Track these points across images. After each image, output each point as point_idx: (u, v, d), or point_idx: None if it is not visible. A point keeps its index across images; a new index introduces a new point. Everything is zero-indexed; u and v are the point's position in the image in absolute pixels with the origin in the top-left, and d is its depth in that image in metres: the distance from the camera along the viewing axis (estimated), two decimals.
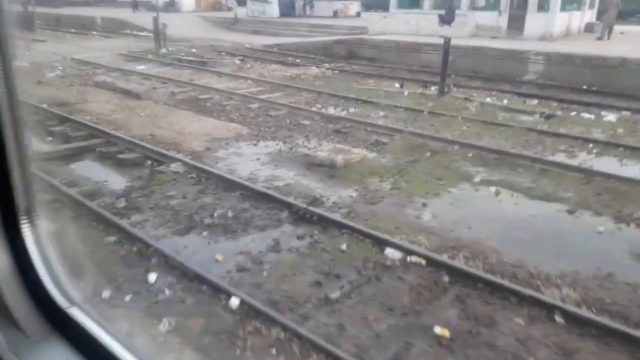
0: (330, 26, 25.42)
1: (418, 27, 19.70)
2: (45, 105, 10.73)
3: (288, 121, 9.75)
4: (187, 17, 32.00)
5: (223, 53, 18.99)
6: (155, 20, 18.59)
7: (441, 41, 16.82)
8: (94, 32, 28.16)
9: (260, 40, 22.80)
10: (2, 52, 1.03)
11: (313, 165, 7.35)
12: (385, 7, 35.05)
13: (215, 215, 5.76)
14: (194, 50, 19.47)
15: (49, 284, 1.15)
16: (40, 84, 13.32)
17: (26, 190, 1.13)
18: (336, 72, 15.40)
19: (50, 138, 8.97)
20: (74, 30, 28.76)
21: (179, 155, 7.77)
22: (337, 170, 7.11)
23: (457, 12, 19.18)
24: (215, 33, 26.41)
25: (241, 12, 31.67)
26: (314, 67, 15.45)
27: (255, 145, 8.52)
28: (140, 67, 15.54)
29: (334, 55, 18.60)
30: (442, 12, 19.28)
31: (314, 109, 10.59)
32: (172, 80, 13.37)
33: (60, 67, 15.57)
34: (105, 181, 7.04)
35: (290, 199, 6.14)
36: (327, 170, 7.14)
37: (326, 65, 16.42)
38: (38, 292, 1.13)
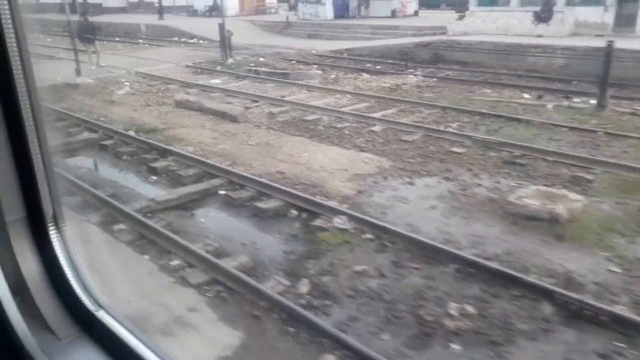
0: (394, 27, 23.63)
1: (507, 26, 17.74)
2: (132, 133, 9.30)
3: (433, 148, 8.02)
4: (233, 22, 30.48)
5: (293, 61, 17.40)
6: (222, 27, 17.14)
7: (548, 42, 14.97)
8: (140, 41, 26.97)
9: (323, 45, 21.18)
10: (22, 59, 1.01)
11: (519, 217, 5.60)
12: (436, 5, 33.27)
13: (453, 312, 4.07)
14: (261, 59, 17.95)
15: (78, 288, 1.16)
16: (114, 104, 11.96)
17: (52, 197, 1.14)
18: (434, 79, 13.60)
19: (154, 177, 7.48)
20: (118, 39, 27.67)
21: (331, 203, 6.14)
22: (562, 227, 5.35)
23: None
24: (270, 38, 24.92)
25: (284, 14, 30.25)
26: (411, 76, 13.69)
27: (411, 184, 6.84)
28: (215, 81, 14.06)
29: (416, 59, 16.80)
30: (536, 9, 17.26)
31: (450, 129, 8.85)
32: (261, 98, 11.79)
33: (127, 83, 14.22)
34: (255, 244, 5.46)
35: (534, 279, 4.43)
36: (547, 226, 5.39)
37: (418, 72, 14.65)
38: (67, 296, 1.16)
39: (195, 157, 7.88)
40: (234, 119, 10.05)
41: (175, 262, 4.96)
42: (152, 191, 6.98)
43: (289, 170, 7.38)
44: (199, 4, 36.15)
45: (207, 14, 33.97)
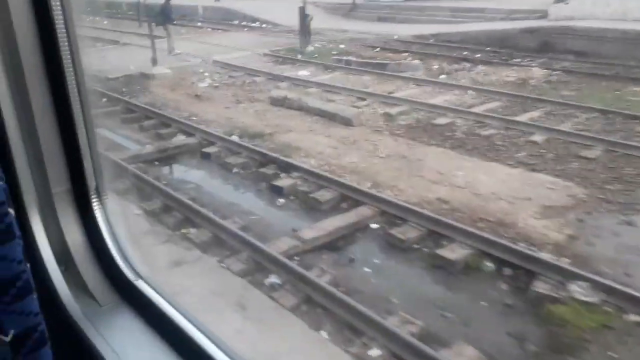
0: (478, 9, 21.40)
1: (624, 9, 15.38)
2: (235, 138, 7.95)
3: (630, 170, 6.27)
4: (293, 4, 28.91)
5: (378, 49, 15.67)
6: (302, 11, 15.59)
7: None
8: (199, 24, 25.72)
9: (400, 30, 19.28)
10: (69, 40, 1.04)
11: None
12: None
13: None
14: (341, 46, 16.32)
15: (118, 258, 1.20)
16: (200, 100, 10.66)
17: (95, 171, 1.18)
18: (558, 72, 11.64)
19: (281, 199, 6.08)
20: (176, 22, 26.49)
21: (543, 255, 4.56)
22: None
23: None
24: (338, 22, 23.13)
25: None
26: (535, 68, 11.75)
27: (630, 224, 5.18)
28: (303, 73, 12.54)
29: (520, 47, 14.73)
30: None
31: (635, 143, 7.04)
32: (367, 94, 10.19)
33: (206, 74, 12.89)
34: (462, 318, 4.01)
35: None
36: None
37: (529, 62, 12.71)
38: (109, 266, 1.20)
39: (323, 174, 6.44)
40: (346, 122, 8.53)
41: (375, 353, 3.52)
42: (288, 222, 5.59)
43: (450, 196, 5.83)
44: None
45: None
